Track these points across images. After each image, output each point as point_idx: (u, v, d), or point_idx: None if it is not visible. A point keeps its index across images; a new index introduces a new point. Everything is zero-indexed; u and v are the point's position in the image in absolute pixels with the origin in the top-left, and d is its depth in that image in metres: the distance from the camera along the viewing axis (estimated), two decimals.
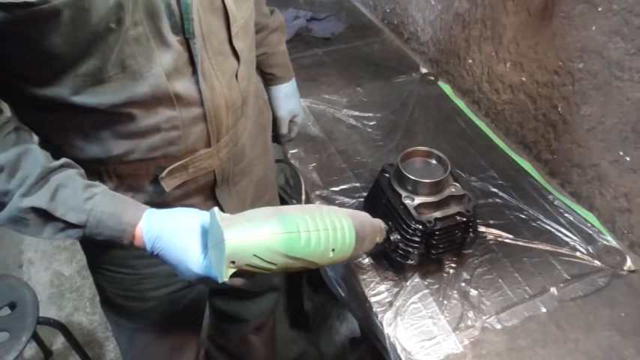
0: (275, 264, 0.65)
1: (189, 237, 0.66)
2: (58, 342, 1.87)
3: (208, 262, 0.65)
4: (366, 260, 1.01)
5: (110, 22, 0.58)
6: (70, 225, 0.65)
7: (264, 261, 0.63)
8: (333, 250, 0.69)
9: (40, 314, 1.39)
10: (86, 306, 2.02)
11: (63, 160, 0.67)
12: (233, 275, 0.63)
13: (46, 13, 0.54)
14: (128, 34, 0.61)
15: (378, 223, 0.84)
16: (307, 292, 1.79)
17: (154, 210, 0.69)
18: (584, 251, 1.02)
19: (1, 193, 0.63)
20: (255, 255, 0.62)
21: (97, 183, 0.68)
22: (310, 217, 0.68)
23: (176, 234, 0.66)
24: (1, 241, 2.28)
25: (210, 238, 0.65)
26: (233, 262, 0.61)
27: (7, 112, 0.67)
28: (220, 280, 0.62)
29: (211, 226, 0.65)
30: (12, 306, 1.40)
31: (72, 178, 0.66)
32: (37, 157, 0.64)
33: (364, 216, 0.80)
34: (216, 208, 0.65)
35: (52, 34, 0.57)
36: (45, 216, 0.64)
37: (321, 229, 0.68)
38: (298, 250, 0.66)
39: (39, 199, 0.62)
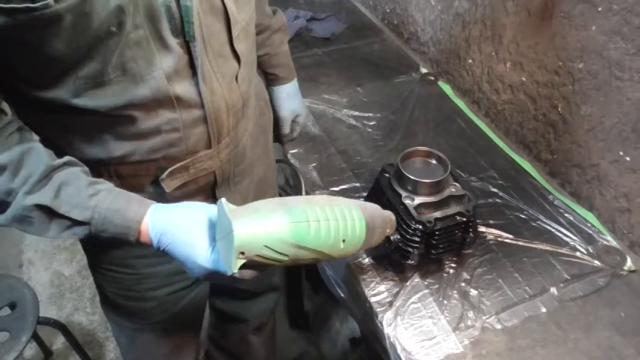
0: (286, 255, 0.63)
1: (195, 231, 0.64)
2: (58, 342, 1.87)
3: (216, 255, 0.63)
4: (366, 260, 1.01)
5: (111, 25, 0.58)
6: (75, 222, 0.64)
7: (276, 252, 0.62)
8: (343, 240, 0.68)
9: (40, 314, 1.39)
10: (86, 306, 2.02)
11: (66, 158, 0.67)
12: (242, 267, 0.61)
13: (47, 18, 0.54)
14: (129, 37, 0.61)
15: (388, 214, 0.83)
16: (307, 292, 1.79)
17: (160, 205, 0.67)
18: (584, 251, 1.02)
19: (4, 192, 0.62)
20: (266, 246, 0.61)
21: (101, 180, 0.68)
22: (320, 207, 0.67)
23: (182, 229, 0.64)
24: (1, 241, 2.28)
25: (218, 230, 0.64)
26: (242, 253, 0.60)
27: (10, 113, 0.67)
28: (229, 272, 0.60)
29: (219, 218, 0.63)
30: (12, 306, 1.40)
31: (76, 175, 0.66)
32: (40, 156, 0.64)
33: (374, 207, 0.78)
34: (223, 199, 0.63)
35: (53, 38, 0.57)
36: (49, 213, 0.63)
37: (331, 219, 0.66)
38: (308, 240, 0.64)
39: (43, 197, 0.62)
